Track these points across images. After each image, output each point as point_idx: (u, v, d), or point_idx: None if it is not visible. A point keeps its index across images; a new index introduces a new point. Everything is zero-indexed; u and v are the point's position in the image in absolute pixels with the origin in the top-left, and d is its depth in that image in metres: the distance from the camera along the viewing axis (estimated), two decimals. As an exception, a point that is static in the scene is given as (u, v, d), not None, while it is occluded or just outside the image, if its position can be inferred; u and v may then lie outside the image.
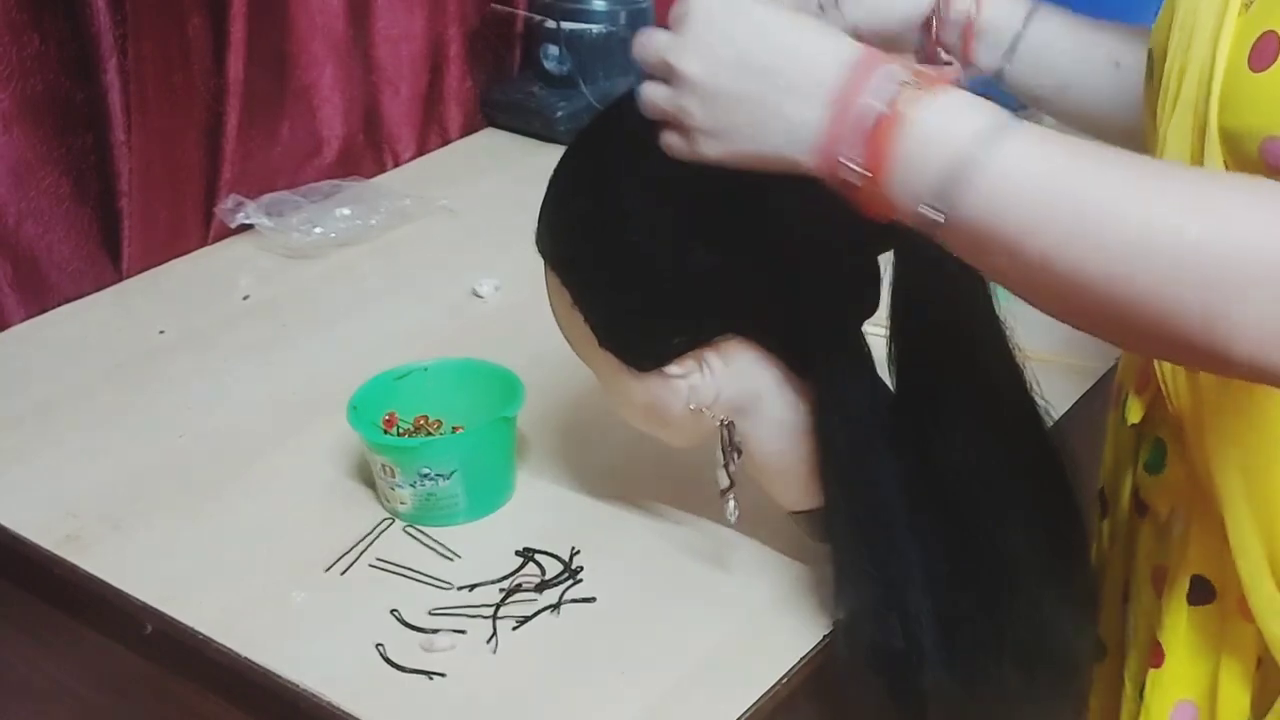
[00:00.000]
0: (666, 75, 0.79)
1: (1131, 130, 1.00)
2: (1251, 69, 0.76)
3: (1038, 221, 0.69)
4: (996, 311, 0.90)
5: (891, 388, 0.93)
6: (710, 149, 0.78)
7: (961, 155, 0.70)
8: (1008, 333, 0.91)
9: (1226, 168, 0.78)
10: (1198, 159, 0.79)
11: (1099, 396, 1.19)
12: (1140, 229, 0.68)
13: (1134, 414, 0.92)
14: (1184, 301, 0.67)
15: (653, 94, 0.79)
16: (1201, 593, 0.89)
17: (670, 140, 0.80)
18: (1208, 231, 0.67)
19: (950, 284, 0.86)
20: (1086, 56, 1.03)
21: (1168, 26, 0.84)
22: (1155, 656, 0.92)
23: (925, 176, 0.71)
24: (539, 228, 0.95)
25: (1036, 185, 0.70)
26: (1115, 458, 0.99)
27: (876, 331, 0.93)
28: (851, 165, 0.73)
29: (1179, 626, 0.90)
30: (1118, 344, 0.82)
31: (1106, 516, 1.02)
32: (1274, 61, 0.75)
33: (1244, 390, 0.81)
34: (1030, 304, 0.74)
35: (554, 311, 0.96)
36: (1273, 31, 0.75)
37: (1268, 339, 0.67)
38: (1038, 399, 0.93)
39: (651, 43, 0.79)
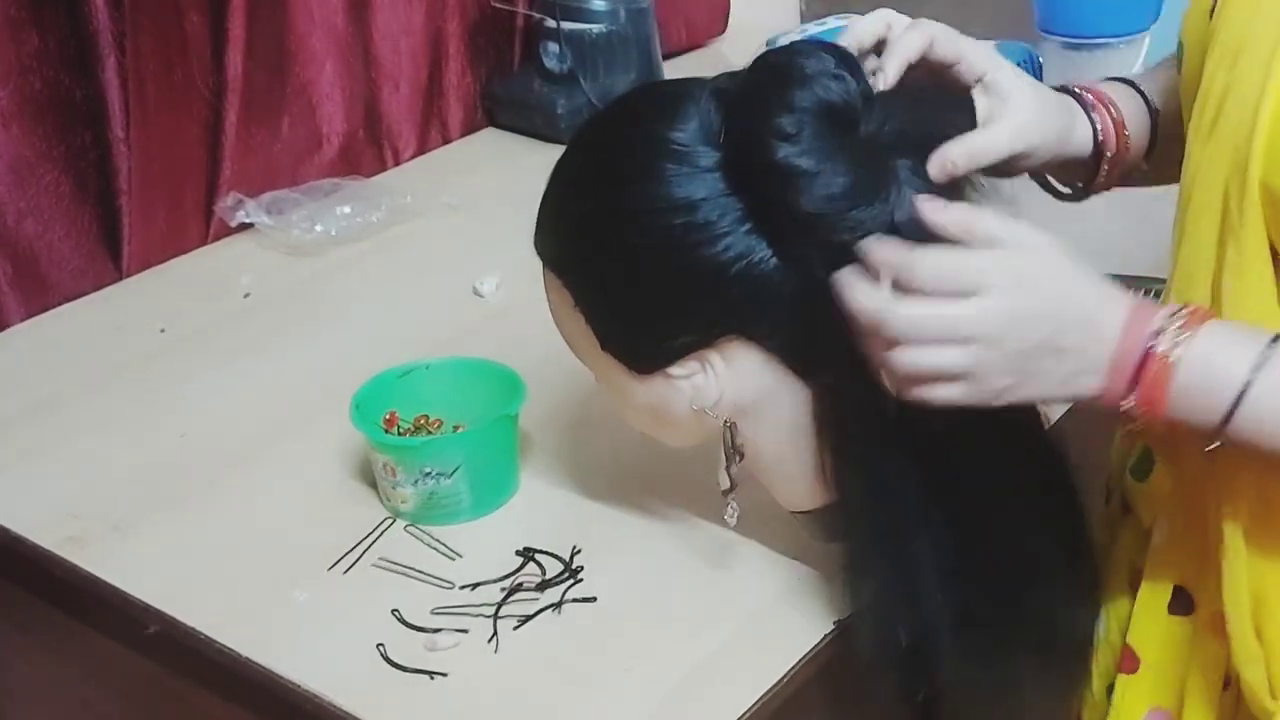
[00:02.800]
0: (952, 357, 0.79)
1: None
2: None
3: None
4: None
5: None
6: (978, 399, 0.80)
7: (1232, 387, 0.75)
8: None
9: (1267, 228, 0.76)
10: (1236, 209, 0.77)
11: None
12: None
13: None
14: None
15: (935, 363, 0.79)
16: (1182, 603, 0.89)
17: (940, 395, 0.81)
18: None
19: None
20: None
21: (1204, 13, 0.80)
22: (1128, 660, 0.92)
23: (1198, 410, 0.77)
24: (538, 229, 0.94)
25: None
26: (1117, 452, 0.98)
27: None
28: (1130, 408, 0.78)
29: (1156, 634, 0.90)
30: None
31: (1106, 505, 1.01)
32: None
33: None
34: None
35: (553, 313, 0.96)
36: None
37: None
38: None
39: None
